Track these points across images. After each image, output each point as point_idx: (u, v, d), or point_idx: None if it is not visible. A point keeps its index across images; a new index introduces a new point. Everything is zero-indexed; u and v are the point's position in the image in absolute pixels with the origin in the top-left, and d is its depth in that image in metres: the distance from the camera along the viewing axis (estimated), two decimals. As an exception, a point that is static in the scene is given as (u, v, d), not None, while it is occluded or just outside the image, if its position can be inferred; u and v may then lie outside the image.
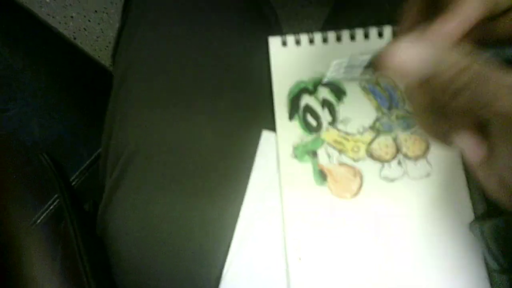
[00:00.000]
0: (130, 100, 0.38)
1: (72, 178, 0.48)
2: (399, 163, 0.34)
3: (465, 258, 0.31)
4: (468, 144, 0.22)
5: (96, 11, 0.99)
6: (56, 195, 0.47)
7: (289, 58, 0.37)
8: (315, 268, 0.32)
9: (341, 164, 0.34)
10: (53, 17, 0.98)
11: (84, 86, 0.59)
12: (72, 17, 1.00)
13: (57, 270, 0.38)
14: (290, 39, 0.37)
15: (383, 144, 0.34)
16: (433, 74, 0.19)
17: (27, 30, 0.53)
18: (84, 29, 1.01)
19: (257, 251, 0.33)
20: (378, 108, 0.35)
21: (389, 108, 0.35)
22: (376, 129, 0.35)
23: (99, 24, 1.00)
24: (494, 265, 0.27)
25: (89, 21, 1.00)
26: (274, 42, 0.37)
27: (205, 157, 0.35)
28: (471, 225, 0.30)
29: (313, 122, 0.35)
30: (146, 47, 0.38)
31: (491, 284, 0.30)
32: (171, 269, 0.34)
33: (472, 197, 0.32)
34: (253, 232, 0.33)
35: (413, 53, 0.20)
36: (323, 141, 0.35)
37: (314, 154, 0.34)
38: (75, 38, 1.00)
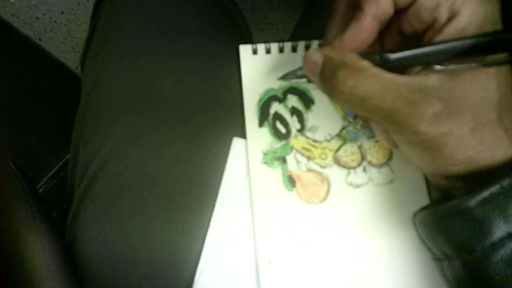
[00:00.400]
0: (100, 108, 0.38)
1: (40, 185, 0.47)
2: (364, 169, 0.35)
3: (428, 259, 0.33)
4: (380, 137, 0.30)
5: (62, 12, 0.97)
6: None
7: (259, 66, 0.38)
8: (285, 271, 0.33)
9: (309, 170, 0.35)
10: (17, 17, 0.96)
11: (50, 90, 0.58)
12: (37, 18, 0.97)
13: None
14: (261, 47, 0.38)
15: (349, 152, 0.36)
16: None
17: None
18: (50, 30, 0.99)
19: (229, 257, 0.33)
20: (344, 117, 0.37)
21: (355, 117, 0.37)
22: (343, 137, 0.36)
23: (66, 25, 0.98)
24: (429, 253, 0.29)
25: (55, 22, 0.98)
26: (244, 50, 0.38)
27: (176, 165, 0.36)
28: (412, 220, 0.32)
29: (282, 129, 0.36)
30: (116, 55, 0.38)
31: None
32: (142, 279, 0.34)
33: (430, 197, 0.34)
34: (224, 238, 0.34)
35: (313, 58, 0.26)
36: (292, 148, 0.36)
37: (283, 160, 0.35)
38: (40, 40, 0.98)
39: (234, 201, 0.35)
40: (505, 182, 0.22)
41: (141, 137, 0.36)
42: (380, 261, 0.33)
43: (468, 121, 0.23)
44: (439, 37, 0.24)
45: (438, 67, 0.24)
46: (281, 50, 0.38)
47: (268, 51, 0.38)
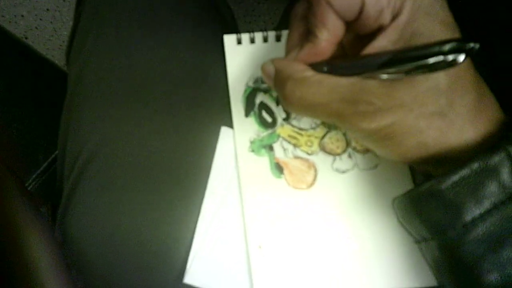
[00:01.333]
0: (87, 100, 0.38)
1: (29, 182, 0.47)
2: (349, 156, 0.36)
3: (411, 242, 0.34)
4: None
5: (48, 9, 0.97)
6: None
7: (244, 56, 0.38)
8: (275, 256, 0.34)
9: (296, 157, 0.36)
10: (2, 16, 0.95)
11: (38, 87, 0.58)
12: (22, 16, 0.97)
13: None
14: (245, 37, 0.39)
15: (334, 139, 0.36)
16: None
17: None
18: (36, 28, 0.98)
19: (220, 244, 0.34)
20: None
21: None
22: (328, 124, 0.37)
23: (51, 22, 0.98)
24: (410, 235, 0.29)
25: (40, 19, 0.97)
26: (229, 40, 0.39)
27: (165, 155, 0.36)
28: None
29: (268, 118, 0.37)
30: (101, 46, 0.39)
31: None
32: (134, 270, 0.34)
33: (415, 184, 0.35)
34: (215, 226, 0.34)
35: (267, 69, 0.29)
36: (278, 136, 0.36)
37: (270, 148, 0.36)
38: (26, 38, 0.97)
39: (224, 190, 0.35)
40: (475, 165, 0.23)
41: (128, 129, 0.36)
42: (366, 244, 0.34)
43: (410, 111, 0.24)
44: (381, 38, 0.25)
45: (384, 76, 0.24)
46: (265, 39, 0.39)
47: (252, 40, 0.39)
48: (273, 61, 0.28)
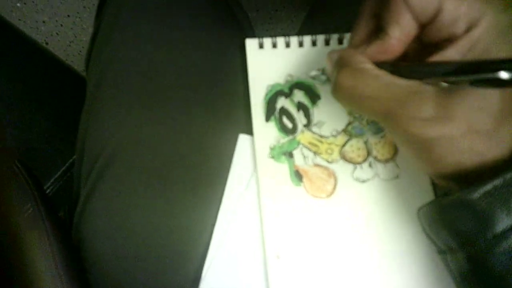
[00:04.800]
0: (106, 105, 0.38)
1: (47, 185, 0.47)
2: (370, 165, 0.35)
3: (433, 253, 0.33)
4: None
5: (68, 15, 0.98)
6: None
7: (266, 61, 0.38)
8: (293, 266, 0.33)
9: (316, 165, 0.35)
10: (24, 22, 0.97)
11: (57, 93, 0.58)
12: (44, 22, 0.98)
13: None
14: (267, 41, 0.38)
15: (355, 147, 0.36)
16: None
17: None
18: (57, 34, 1.00)
19: (236, 251, 0.33)
20: (350, 113, 0.37)
21: (361, 112, 0.37)
22: (349, 132, 0.36)
23: (72, 29, 0.99)
24: (433, 247, 0.29)
25: (61, 25, 0.99)
26: (251, 44, 0.38)
27: (183, 161, 0.36)
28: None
29: (289, 124, 0.37)
30: (121, 51, 0.39)
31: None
32: (150, 274, 0.34)
33: (435, 192, 0.34)
34: (232, 233, 0.34)
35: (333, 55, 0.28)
36: (298, 143, 0.36)
37: (290, 155, 0.36)
38: (47, 44, 0.98)
39: (241, 196, 0.35)
40: (508, 175, 0.22)
41: (146, 135, 0.36)
42: (386, 255, 0.33)
43: (459, 126, 0.23)
44: (452, 49, 0.24)
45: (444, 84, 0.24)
46: (287, 45, 0.39)
47: (274, 45, 0.39)
48: (339, 50, 0.28)
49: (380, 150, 0.36)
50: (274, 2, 0.95)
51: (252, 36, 0.41)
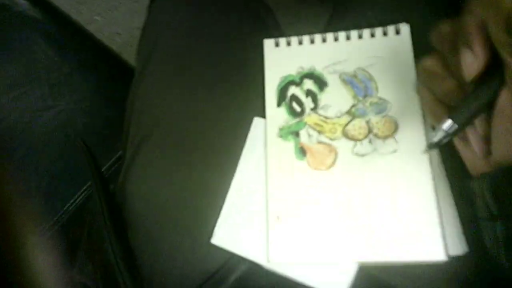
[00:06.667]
0: (149, 83, 0.46)
1: (106, 167, 0.56)
2: (370, 141, 0.39)
3: (421, 213, 0.36)
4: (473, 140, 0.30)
5: (138, 27, 1.11)
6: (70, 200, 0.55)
7: (280, 57, 0.44)
8: (290, 226, 0.38)
9: (320, 142, 0.40)
10: (101, 33, 1.11)
11: (123, 92, 0.68)
12: (118, 33, 1.12)
13: (72, 277, 0.46)
14: (282, 41, 0.44)
15: (357, 126, 0.40)
16: None
17: (75, 41, 0.63)
18: (130, 46, 1.13)
19: (245, 213, 0.39)
20: (354, 97, 0.41)
21: (364, 96, 0.41)
22: (352, 113, 0.40)
23: (141, 39, 1.11)
24: (484, 213, 0.30)
25: (132, 37, 1.11)
26: (268, 44, 0.44)
27: (207, 138, 0.43)
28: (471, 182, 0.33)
29: (297, 108, 0.42)
30: (163, 39, 0.47)
31: (479, 231, 0.33)
32: (173, 227, 0.42)
33: (432, 167, 0.37)
34: (242, 198, 0.40)
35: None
36: (305, 124, 0.41)
37: (297, 134, 0.41)
38: (121, 53, 1.12)
39: (252, 169, 0.41)
40: None
41: (178, 111, 0.44)
42: (379, 219, 0.37)
43: None
44: None
45: None
46: (300, 42, 0.44)
47: (288, 43, 0.44)
48: None
49: (380, 128, 0.39)
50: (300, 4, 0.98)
51: (277, 31, 0.47)
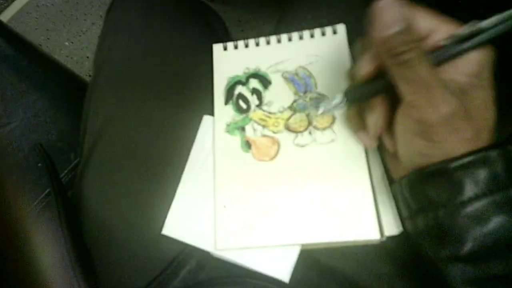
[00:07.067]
0: (100, 90, 0.48)
1: (61, 175, 0.58)
2: (310, 133, 0.42)
3: (357, 196, 0.39)
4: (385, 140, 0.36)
5: (107, 50, 1.14)
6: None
7: (228, 59, 0.47)
8: (236, 214, 0.40)
9: (263, 136, 0.43)
10: (71, 58, 1.13)
11: (79, 106, 0.70)
12: (87, 57, 1.14)
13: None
14: (230, 45, 0.47)
15: (298, 119, 0.43)
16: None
17: (33, 62, 0.65)
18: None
19: (194, 204, 0.41)
20: (296, 93, 0.44)
21: (305, 92, 0.44)
22: (293, 108, 0.43)
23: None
24: (406, 212, 0.34)
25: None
26: (216, 48, 0.47)
27: (158, 136, 0.45)
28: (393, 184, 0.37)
29: (243, 105, 0.44)
30: (113, 51, 0.49)
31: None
32: (125, 223, 0.43)
33: (367, 154, 0.40)
34: (192, 190, 0.42)
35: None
36: (250, 119, 0.43)
37: (242, 129, 0.43)
38: (90, 76, 1.14)
39: (202, 163, 0.43)
40: (479, 155, 0.29)
41: (126, 113, 0.46)
42: (319, 205, 0.39)
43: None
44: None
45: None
46: (246, 45, 0.47)
47: (236, 47, 0.47)
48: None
49: (319, 120, 0.42)
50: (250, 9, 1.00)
51: (226, 36, 0.50)
